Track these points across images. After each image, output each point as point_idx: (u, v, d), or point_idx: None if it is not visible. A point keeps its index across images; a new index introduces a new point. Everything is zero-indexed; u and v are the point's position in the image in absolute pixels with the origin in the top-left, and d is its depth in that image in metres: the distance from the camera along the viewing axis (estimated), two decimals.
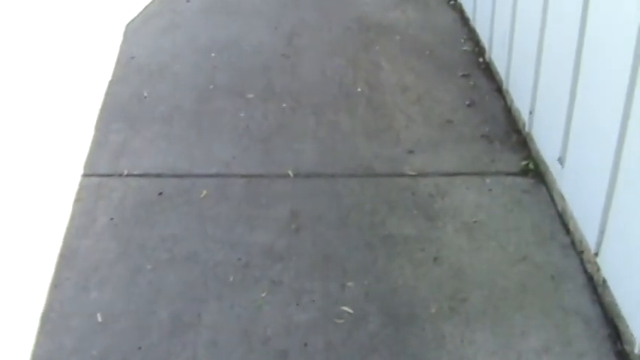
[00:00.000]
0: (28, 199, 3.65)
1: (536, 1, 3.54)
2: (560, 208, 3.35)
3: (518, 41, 3.98)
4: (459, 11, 5.68)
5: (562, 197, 3.29)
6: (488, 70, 4.70)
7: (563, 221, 3.30)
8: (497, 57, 4.48)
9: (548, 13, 3.40)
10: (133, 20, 5.79)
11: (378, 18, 5.61)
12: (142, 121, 4.31)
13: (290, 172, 3.73)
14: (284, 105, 4.36)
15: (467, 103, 4.33)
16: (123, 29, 5.63)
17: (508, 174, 3.72)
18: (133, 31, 5.60)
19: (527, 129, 3.83)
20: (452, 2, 5.87)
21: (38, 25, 5.68)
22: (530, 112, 3.74)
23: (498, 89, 4.43)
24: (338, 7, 5.85)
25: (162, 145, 4.06)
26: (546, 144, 3.54)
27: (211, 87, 4.64)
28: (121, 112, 4.44)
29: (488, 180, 3.65)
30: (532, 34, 3.61)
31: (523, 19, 3.84)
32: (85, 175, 3.87)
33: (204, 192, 3.62)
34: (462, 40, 5.19)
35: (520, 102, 3.97)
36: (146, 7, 6.04)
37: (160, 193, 3.63)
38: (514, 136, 4.00)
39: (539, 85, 3.61)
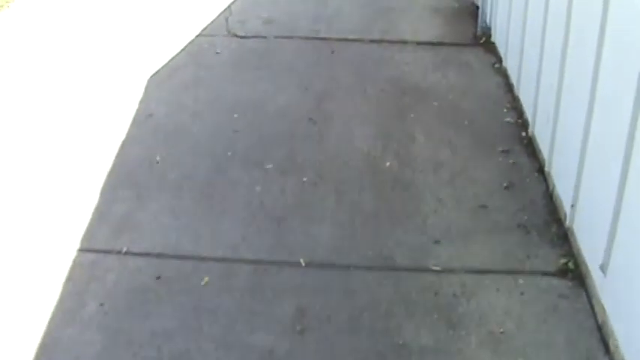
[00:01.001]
0: (18, 274, 3.46)
1: (584, 78, 3.27)
2: (600, 321, 3.04)
3: (564, 119, 3.76)
4: (504, 76, 5.42)
5: (603, 308, 2.98)
6: (530, 147, 4.42)
7: (602, 337, 2.99)
8: (541, 133, 4.24)
9: (597, 93, 3.13)
10: (156, 73, 5.64)
11: (417, 80, 5.36)
12: (150, 189, 4.12)
13: (302, 261, 3.49)
14: (304, 179, 4.14)
15: (505, 185, 4.05)
16: (145, 82, 5.47)
17: (544, 274, 3.45)
18: (155, 84, 5.43)
19: (568, 222, 3.51)
20: (497, 66, 5.58)
21: (58, 73, 5.60)
22: (572, 206, 3.44)
23: (540, 170, 4.15)
24: (375, 66, 5.66)
25: (167, 220, 3.85)
26: (588, 245, 3.26)
27: (229, 154, 4.44)
28: (130, 177, 4.26)
29: (521, 281, 3.37)
30: (578, 113, 3.38)
31: (569, 95, 3.62)
32: (81, 250, 3.69)
33: (206, 279, 3.41)
34: (505, 110, 4.91)
35: (562, 190, 3.72)
36: (172, 59, 5.89)
37: (158, 277, 3.43)
38: (554, 226, 3.72)
39: (583, 175, 3.34)
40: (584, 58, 3.26)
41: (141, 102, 5.22)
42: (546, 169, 4.04)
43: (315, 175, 4.19)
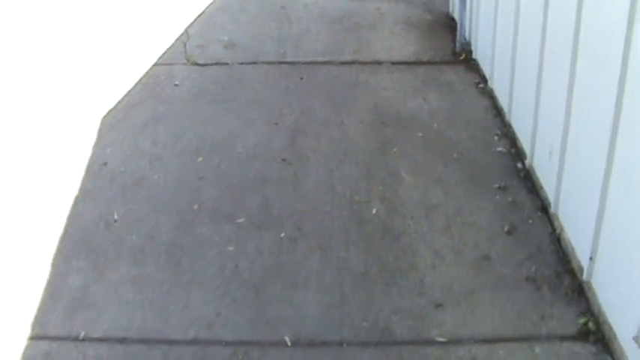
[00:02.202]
0: None
1: (602, 103, 2.91)
2: None
3: (574, 154, 3.40)
4: (490, 97, 5.05)
5: None
6: (529, 181, 4.07)
7: None
8: (542, 168, 3.89)
9: (621, 120, 2.74)
10: (110, 111, 5.19)
11: (397, 107, 4.98)
12: (107, 256, 3.70)
13: (287, 339, 3.07)
14: (282, 234, 3.72)
15: (506, 229, 3.68)
16: (97, 124, 5.01)
17: (562, 338, 3.08)
18: (109, 126, 4.98)
19: (585, 276, 3.12)
20: (481, 86, 5.21)
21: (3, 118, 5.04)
22: (591, 258, 3.03)
23: (543, 209, 3.80)
24: (350, 92, 5.28)
25: (129, 294, 3.43)
26: (613, 306, 2.92)
27: (195, 207, 4.01)
28: (85, 242, 3.82)
29: (538, 349, 3.00)
30: (596, 146, 2.99)
31: (582, 124, 3.25)
32: (32, 339, 3.24)
33: None
34: (496, 138, 4.54)
35: (574, 237, 3.40)
36: (127, 94, 5.44)
37: None
38: (566, 278, 3.37)
39: (604, 222, 2.99)
40: (604, 77, 2.84)
41: (94, 147, 4.76)
42: (552, 210, 3.67)
43: (293, 229, 3.76)
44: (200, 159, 4.51)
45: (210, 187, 4.23)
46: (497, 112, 4.87)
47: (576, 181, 3.33)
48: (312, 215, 3.90)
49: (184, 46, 6.33)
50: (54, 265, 3.72)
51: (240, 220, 3.90)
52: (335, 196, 4.07)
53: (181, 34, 6.62)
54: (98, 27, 6.88)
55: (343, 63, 5.84)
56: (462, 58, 5.78)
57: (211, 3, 7.32)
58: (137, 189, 4.27)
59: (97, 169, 4.54)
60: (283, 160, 4.45)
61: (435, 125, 4.76)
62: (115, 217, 4.04)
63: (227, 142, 4.69)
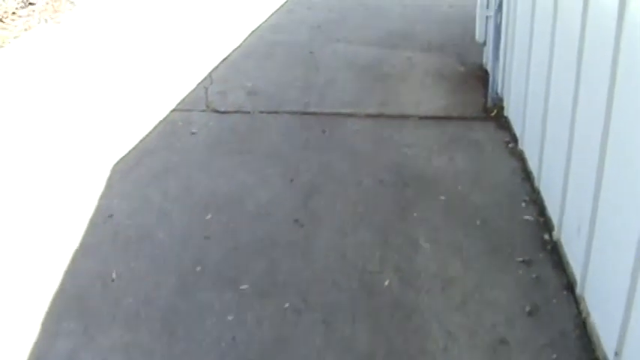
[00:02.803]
0: None
1: (634, 176, 2.59)
2: None
3: (604, 233, 3.17)
4: (520, 159, 4.81)
5: None
6: (555, 255, 3.83)
7: None
8: (570, 243, 3.67)
9: None
10: (122, 159, 5.04)
11: (421, 167, 4.75)
12: (101, 319, 3.53)
13: None
14: (286, 305, 3.52)
15: (527, 309, 3.45)
16: (108, 172, 4.84)
17: None
18: (119, 175, 4.82)
19: None
20: (511, 145, 4.98)
21: (8, 158, 4.95)
22: (617, 354, 2.76)
23: (569, 287, 3.56)
24: (372, 149, 5.13)
25: None
26: None
27: (198, 269, 3.83)
28: (79, 302, 3.68)
29: None
30: (628, 227, 2.77)
31: (613, 200, 3.02)
32: None
33: None
34: (523, 204, 4.30)
35: (601, 325, 3.15)
36: (142, 140, 5.29)
37: None
38: None
39: (633, 312, 2.72)
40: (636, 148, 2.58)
41: (101, 198, 4.60)
42: (578, 291, 3.41)
43: (298, 300, 3.55)
44: (209, 216, 4.33)
45: (216, 247, 4.03)
46: (527, 175, 4.63)
47: (604, 263, 3.08)
48: (319, 286, 3.71)
49: (206, 91, 6.19)
50: (44, 325, 3.57)
51: (244, 287, 3.72)
52: (346, 265, 3.85)
53: (204, 79, 6.48)
54: (120, 67, 6.78)
55: (368, 116, 5.65)
56: (493, 114, 5.57)
57: (237, 47, 7.19)
58: (140, 246, 4.10)
59: (101, 221, 4.37)
60: (295, 221, 4.26)
61: (460, 188, 4.53)
62: (114, 275, 3.87)
63: (238, 198, 4.51)
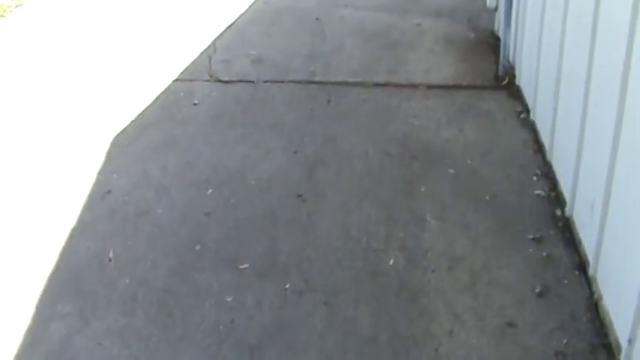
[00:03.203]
0: None
1: None
2: None
3: (618, 213, 3.03)
4: (532, 130, 4.65)
5: None
6: (567, 232, 3.68)
7: None
8: (583, 221, 3.55)
9: None
10: (122, 131, 4.92)
11: (428, 139, 4.59)
12: (97, 301, 3.45)
13: None
14: (287, 285, 3.41)
15: (537, 290, 3.33)
16: (107, 145, 4.71)
17: None
18: (118, 148, 4.70)
19: (623, 358, 2.68)
20: (522, 116, 4.83)
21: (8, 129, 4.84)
22: (630, 341, 2.62)
23: (581, 267, 3.41)
24: (379, 120, 4.97)
25: (113, 349, 3.23)
26: None
27: (197, 248, 3.72)
28: (75, 283, 3.58)
29: None
30: None
31: (628, 180, 2.83)
32: None
33: None
34: (535, 178, 4.15)
35: (614, 308, 3.05)
36: (142, 112, 5.16)
37: None
38: (602, 354, 2.96)
39: None
40: None
41: (100, 173, 4.48)
42: (590, 272, 3.28)
43: (300, 280, 3.42)
44: (209, 191, 4.21)
45: (216, 225, 3.91)
46: (539, 147, 4.48)
47: (618, 245, 2.94)
48: (321, 265, 3.57)
49: (209, 60, 6.04)
50: (38, 308, 3.48)
51: (244, 266, 3.60)
52: (349, 243, 3.72)
53: (207, 47, 6.32)
54: (121, 37, 6.67)
55: (376, 85, 5.48)
56: (504, 83, 5.40)
57: (242, 14, 7.01)
58: (138, 223, 3.98)
59: (99, 197, 4.25)
60: (298, 196, 4.14)
61: (469, 161, 4.38)
62: (111, 255, 3.77)
63: (240, 172, 4.39)
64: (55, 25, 7.09)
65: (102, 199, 4.26)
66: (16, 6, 7.62)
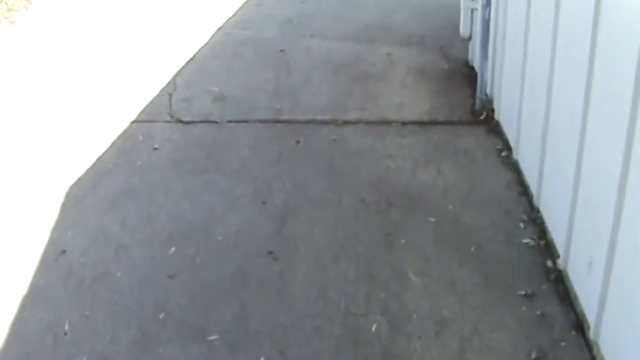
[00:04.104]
0: None
1: None
2: None
3: (625, 269, 2.79)
4: (514, 169, 4.44)
5: None
6: (561, 285, 3.51)
7: None
8: (579, 277, 3.37)
9: None
10: (78, 181, 4.64)
11: (405, 182, 4.36)
12: None
13: None
14: (261, 359, 3.03)
15: (533, 356, 3.13)
16: (62, 196, 4.39)
17: None
18: (74, 200, 4.42)
19: None
20: (504, 154, 4.59)
21: None
22: None
23: (578, 327, 3.20)
24: (352, 162, 4.77)
25: None
26: None
27: (161, 316, 3.44)
28: None
29: None
30: None
31: (637, 227, 2.52)
32: None
33: None
34: (521, 224, 3.93)
35: None
36: (100, 158, 4.88)
37: None
38: None
39: None
40: None
41: (54, 229, 4.18)
42: (591, 336, 3.06)
43: (274, 351, 3.22)
44: (172, 249, 3.93)
45: (181, 288, 3.62)
46: (524, 189, 4.25)
47: (626, 308, 2.69)
48: (297, 332, 3.31)
49: (169, 98, 5.75)
50: None
51: (212, 338, 3.33)
52: (327, 305, 3.45)
53: (167, 84, 6.02)
54: (77, 72, 6.34)
55: (346, 122, 5.24)
56: (482, 117, 5.19)
57: (203, 46, 6.73)
58: (96, 288, 3.69)
59: (53, 259, 3.96)
60: (269, 252, 3.87)
61: (450, 207, 4.14)
62: (66, 327, 3.47)
63: (205, 226, 4.10)
64: (4, 61, 6.74)
65: (56, 261, 3.96)
66: None
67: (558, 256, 3.63)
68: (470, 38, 5.84)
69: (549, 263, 3.70)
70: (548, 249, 3.78)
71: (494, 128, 5.04)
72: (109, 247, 4.05)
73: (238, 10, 7.86)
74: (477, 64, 5.38)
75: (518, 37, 4.24)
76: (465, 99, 5.47)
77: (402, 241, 3.94)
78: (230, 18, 7.59)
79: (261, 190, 4.47)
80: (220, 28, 7.30)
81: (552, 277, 3.61)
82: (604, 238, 2.84)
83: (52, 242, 4.15)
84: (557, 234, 3.64)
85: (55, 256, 4.03)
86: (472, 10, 5.68)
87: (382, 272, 3.72)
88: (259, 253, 3.92)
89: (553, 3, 3.53)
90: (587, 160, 3.12)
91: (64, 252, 4.05)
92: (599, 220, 2.90)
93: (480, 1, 5.12)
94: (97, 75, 6.25)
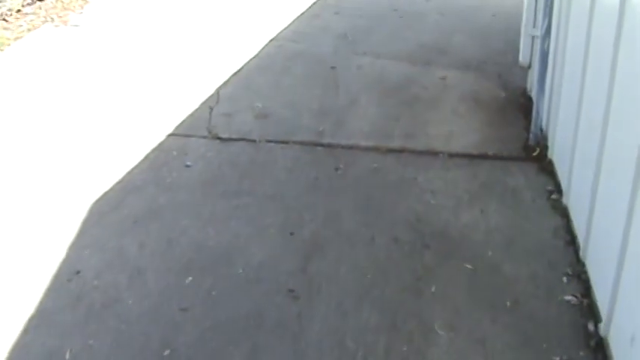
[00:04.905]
0: None
1: None
2: None
3: None
4: (563, 215, 4.14)
5: None
6: (601, 353, 3.26)
7: None
8: (621, 350, 3.07)
9: None
10: (103, 196, 4.48)
11: (445, 222, 4.11)
12: None
13: None
14: None
15: None
16: (84, 212, 4.24)
17: None
18: (96, 216, 4.26)
19: None
20: (554, 197, 4.30)
21: None
22: None
23: None
24: (390, 196, 4.60)
25: None
26: None
27: (166, 353, 3.28)
28: None
29: None
30: None
31: None
32: None
33: None
34: (565, 279, 3.68)
35: None
36: (129, 172, 4.73)
37: None
38: None
39: None
40: None
41: (71, 246, 4.04)
42: None
43: None
44: (189, 279, 3.75)
45: (192, 324, 3.47)
46: (571, 238, 3.98)
47: None
48: None
49: (210, 112, 5.56)
50: None
51: None
52: (343, 355, 3.31)
53: (210, 96, 5.85)
54: (121, 79, 6.25)
55: (390, 150, 5.00)
56: (535, 154, 4.89)
57: (251, 59, 6.56)
58: (105, 316, 3.56)
59: (66, 279, 3.84)
60: (290, 291, 3.69)
61: (490, 253, 3.89)
62: (67, 356, 3.28)
63: (227, 256, 3.93)
64: (50, 65, 6.72)
65: (68, 282, 3.82)
66: (16, 38, 7.22)
67: (601, 320, 3.30)
68: (530, 67, 5.53)
69: (590, 326, 3.41)
70: (590, 310, 3.50)
71: (546, 167, 4.74)
72: (124, 271, 3.90)
73: (293, 21, 7.66)
74: (534, 97, 5.06)
75: (576, 71, 3.95)
76: (518, 132, 5.19)
77: (433, 289, 3.69)
78: (284, 29, 7.40)
79: (290, 219, 4.25)
80: (272, 39, 7.11)
81: (592, 343, 3.32)
82: None
83: (67, 261, 4.01)
84: (602, 296, 3.35)
85: (68, 276, 3.89)
86: (533, 37, 5.36)
87: (407, 323, 3.48)
88: (279, 290, 3.70)
89: (613, 35, 3.22)
90: (639, 219, 2.81)
91: (78, 272, 3.91)
92: None
93: (540, 29, 4.81)
94: (140, 82, 6.13)
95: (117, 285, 3.82)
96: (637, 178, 2.85)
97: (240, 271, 3.89)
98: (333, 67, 6.43)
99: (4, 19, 7.69)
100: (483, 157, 4.98)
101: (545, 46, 4.75)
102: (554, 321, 3.51)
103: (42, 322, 3.61)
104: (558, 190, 4.50)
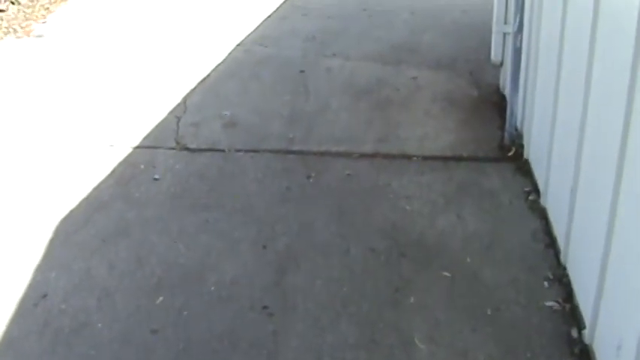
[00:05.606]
0: None
1: None
2: None
3: None
4: (542, 217, 4.08)
5: None
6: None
7: None
8: (606, 355, 2.94)
9: None
10: (69, 215, 4.34)
11: (421, 229, 4.05)
12: None
13: None
14: None
15: None
16: (50, 231, 4.12)
17: None
18: (63, 236, 4.19)
19: None
20: (531, 198, 4.26)
21: None
22: None
23: None
24: (364, 204, 4.55)
25: None
26: None
27: None
28: None
29: None
30: None
31: None
32: None
33: None
34: (546, 284, 3.62)
35: None
36: (96, 188, 4.60)
37: None
38: None
39: None
40: None
41: (37, 269, 3.96)
42: None
43: None
44: (160, 299, 3.68)
45: (164, 346, 3.39)
46: (551, 241, 3.94)
47: None
48: None
49: (177, 122, 5.44)
50: None
51: None
52: None
53: (177, 105, 5.74)
54: (85, 89, 6.13)
55: (363, 155, 4.94)
56: (510, 154, 4.82)
57: (219, 64, 6.46)
58: (73, 341, 3.49)
59: (32, 303, 3.75)
60: (264, 307, 3.57)
61: (468, 260, 3.84)
62: None
63: (198, 273, 3.87)
64: (10, 76, 6.55)
65: (35, 306, 3.73)
66: None
67: (584, 327, 3.24)
68: (502, 64, 5.47)
69: (574, 333, 3.37)
70: (573, 315, 3.46)
71: (523, 167, 4.69)
72: (93, 293, 3.82)
73: (261, 24, 7.57)
74: (507, 96, 5.00)
75: (551, 68, 3.88)
76: (493, 131, 5.14)
77: (412, 300, 3.64)
78: (251, 33, 7.31)
79: (263, 232, 4.18)
80: (239, 44, 7.02)
81: (576, 350, 3.28)
82: (637, 317, 2.47)
83: (33, 284, 3.91)
84: (584, 301, 3.30)
85: (34, 300, 3.80)
86: (505, 35, 5.31)
87: (386, 337, 3.43)
88: (253, 307, 3.64)
89: (589, 29, 3.15)
90: (621, 218, 2.76)
91: (44, 296, 3.82)
92: (633, 294, 2.53)
93: (512, 25, 4.74)
94: (106, 93, 6.03)
95: (86, 308, 3.73)
96: (618, 176, 2.78)
97: (212, 288, 3.80)
98: (302, 71, 6.35)
99: None
100: (458, 158, 4.93)
101: (518, 42, 4.69)
102: (536, 328, 3.46)
103: (7, 350, 3.52)
104: (536, 190, 4.45)
